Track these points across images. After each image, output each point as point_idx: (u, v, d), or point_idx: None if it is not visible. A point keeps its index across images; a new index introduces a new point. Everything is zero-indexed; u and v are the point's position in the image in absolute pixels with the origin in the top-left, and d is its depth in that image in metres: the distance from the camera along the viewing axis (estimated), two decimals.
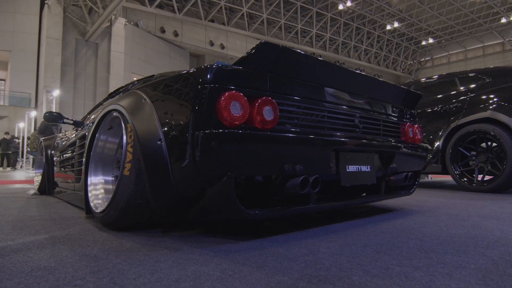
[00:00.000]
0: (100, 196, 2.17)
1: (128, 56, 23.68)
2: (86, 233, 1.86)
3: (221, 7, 28.01)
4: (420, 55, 41.15)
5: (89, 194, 2.18)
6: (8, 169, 16.77)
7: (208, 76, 1.53)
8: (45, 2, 21.75)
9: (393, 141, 2.42)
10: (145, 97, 1.88)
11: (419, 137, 2.68)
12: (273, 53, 1.64)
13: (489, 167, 4.19)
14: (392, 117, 2.48)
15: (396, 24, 33.50)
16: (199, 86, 1.53)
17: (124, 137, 1.85)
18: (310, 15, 31.74)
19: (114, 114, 2.06)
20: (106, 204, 1.92)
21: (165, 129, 1.66)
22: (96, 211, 2.04)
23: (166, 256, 1.39)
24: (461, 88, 4.71)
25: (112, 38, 23.30)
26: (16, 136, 19.03)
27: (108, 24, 22.65)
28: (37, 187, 4.44)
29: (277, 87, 1.71)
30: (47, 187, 4.23)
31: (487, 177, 4.30)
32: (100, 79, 23.32)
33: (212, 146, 1.45)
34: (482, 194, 3.96)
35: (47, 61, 21.17)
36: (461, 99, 4.57)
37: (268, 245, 1.57)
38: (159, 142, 1.66)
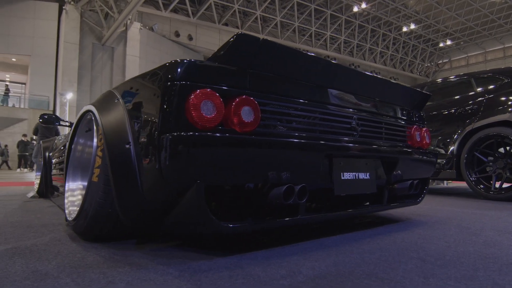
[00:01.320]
0: (76, 203, 2.02)
1: (143, 59, 23.84)
2: (54, 243, 1.71)
3: (234, 11, 28.01)
4: (437, 57, 40.29)
5: (65, 201, 2.04)
6: (26, 170, 17.04)
7: (178, 72, 1.36)
8: (63, 7, 22.13)
9: (397, 145, 2.20)
10: (118, 96, 1.72)
11: (428, 141, 2.45)
12: (252, 46, 1.46)
13: (508, 174, 3.90)
14: (396, 119, 2.26)
15: (412, 26, 32.86)
16: (168, 83, 1.36)
17: (94, 140, 1.70)
18: (324, 18, 31.44)
19: (89, 115, 1.91)
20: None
21: (134, 131, 1.50)
22: (69, 218, 1.89)
23: (123, 275, 1.22)
24: (477, 89, 4.43)
25: (127, 42, 23.51)
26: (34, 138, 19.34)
27: (124, 28, 22.87)
28: (36, 189, 4.37)
29: (259, 85, 1.53)
30: (45, 190, 4.14)
31: (505, 185, 4.01)
32: (116, 82, 23.52)
33: (179, 151, 1.28)
34: (499, 203, 3.68)
35: (65, 65, 21.55)
36: (478, 101, 4.29)
37: (245, 263, 1.38)
38: (127, 146, 1.50)
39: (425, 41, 36.78)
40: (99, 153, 1.63)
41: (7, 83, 24.39)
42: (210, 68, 1.42)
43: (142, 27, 24.03)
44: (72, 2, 22.18)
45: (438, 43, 36.92)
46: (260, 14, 29.12)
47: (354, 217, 2.51)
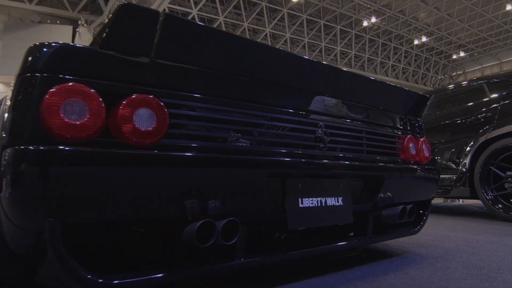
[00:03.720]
0: None
1: None
2: None
3: (244, 29, 28.05)
4: (451, 69, 39.53)
5: None
6: None
7: (38, 60, 0.95)
8: (76, 30, 22.55)
9: (385, 160, 1.73)
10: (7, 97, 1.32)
11: (427, 154, 1.97)
12: (151, 24, 1.04)
13: None
14: (383, 128, 1.80)
15: (424, 39, 32.35)
16: (23, 75, 0.95)
17: None
18: (334, 33, 31.24)
19: None
20: None
21: None
22: None
23: None
24: (491, 95, 3.92)
25: None
26: None
27: None
28: None
29: (168, 80, 1.10)
30: None
31: None
32: None
33: (22, 172, 0.85)
34: None
35: None
36: (491, 108, 3.77)
37: None
38: None
39: (437, 54, 36.09)
40: None
41: None
42: (87, 55, 1.00)
43: None
44: (85, 25, 22.55)
45: (451, 55, 36.22)
46: (269, 31, 29.08)
47: (330, 253, 2.00)
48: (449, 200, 6.77)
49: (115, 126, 0.98)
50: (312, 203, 1.34)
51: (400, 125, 1.91)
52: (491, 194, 3.58)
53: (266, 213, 1.23)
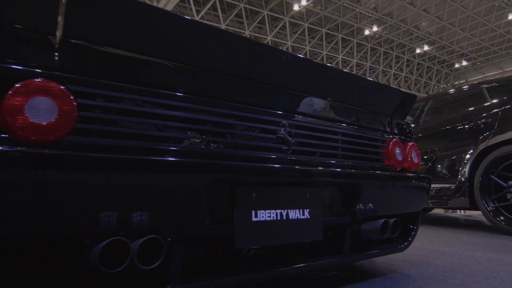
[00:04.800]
0: None
1: None
2: None
3: (246, 37, 28.03)
4: (453, 78, 39.34)
5: None
6: None
7: None
8: None
9: (365, 166, 1.51)
10: None
11: (416, 160, 1.75)
12: None
13: None
14: (364, 130, 1.58)
15: (426, 48, 32.26)
16: None
17: None
18: (335, 41, 31.20)
19: None
20: None
21: None
22: None
23: None
24: (491, 100, 3.69)
25: None
26: None
27: None
28: None
29: (79, 64, 0.89)
30: None
31: None
32: None
33: None
34: None
35: None
36: (492, 113, 3.54)
37: None
38: None
39: (439, 62, 35.93)
40: None
41: None
42: None
43: None
44: None
45: (453, 64, 36.06)
46: (271, 40, 29.05)
47: (301, 274, 1.75)
48: (449, 211, 6.50)
49: (1, 117, 0.77)
50: (269, 216, 1.12)
51: (384, 127, 1.69)
52: (492, 205, 3.34)
53: (207, 229, 1.01)
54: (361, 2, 24.69)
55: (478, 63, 36.32)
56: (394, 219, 1.49)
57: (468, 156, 3.59)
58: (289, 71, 1.31)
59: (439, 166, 3.93)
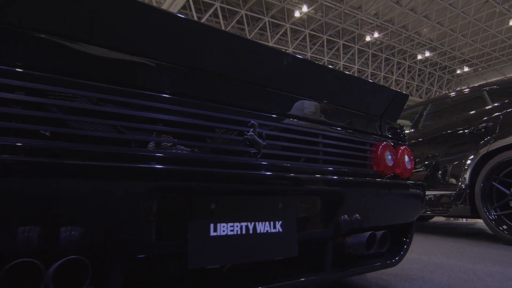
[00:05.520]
0: None
1: None
2: None
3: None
4: (455, 84, 39.22)
5: None
6: None
7: None
8: None
9: (349, 173, 1.36)
10: None
11: (409, 166, 1.60)
12: None
13: None
14: (349, 132, 1.43)
15: (427, 54, 32.18)
16: None
17: None
18: (337, 48, 31.17)
19: None
20: None
21: None
22: None
23: None
24: (492, 103, 3.54)
25: None
26: None
27: None
28: None
29: None
30: None
31: None
32: None
33: None
34: None
35: None
36: (493, 117, 3.39)
37: None
38: None
39: (441, 68, 35.81)
40: None
41: None
42: None
43: None
44: None
45: (455, 70, 35.94)
46: (272, 46, 29.03)
47: None
48: (452, 218, 6.32)
49: None
50: (232, 230, 0.97)
51: (372, 129, 1.54)
52: (494, 213, 3.17)
53: (153, 246, 0.86)
54: (362, 8, 24.66)
55: (480, 69, 36.22)
56: (382, 231, 1.33)
57: (468, 161, 3.43)
58: (259, 64, 1.16)
59: (438, 172, 3.77)
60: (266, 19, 25.29)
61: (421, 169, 3.99)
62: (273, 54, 1.22)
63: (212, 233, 0.93)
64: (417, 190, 1.59)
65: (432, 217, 5.45)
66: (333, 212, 1.24)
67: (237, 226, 0.98)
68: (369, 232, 1.29)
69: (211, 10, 22.10)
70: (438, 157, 3.81)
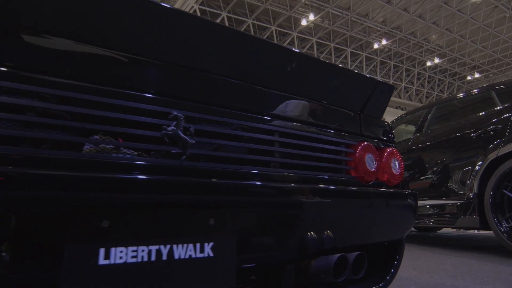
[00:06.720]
0: None
1: None
2: None
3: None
4: (466, 90, 38.64)
5: None
6: None
7: None
8: None
9: (315, 179, 1.10)
10: None
11: (396, 171, 1.33)
12: None
13: None
14: (316, 128, 1.17)
15: (436, 60, 31.76)
16: None
17: None
18: (344, 55, 30.98)
19: None
20: None
21: None
22: None
23: None
24: (501, 104, 3.24)
25: None
26: None
27: None
28: None
29: None
30: None
31: None
32: None
33: None
34: None
35: None
36: (503, 119, 3.09)
37: None
38: None
39: (451, 75, 35.29)
40: None
41: None
42: None
43: None
44: None
45: (465, 77, 35.40)
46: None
47: None
48: (462, 230, 5.94)
49: None
50: (133, 257, 0.71)
51: (349, 127, 1.28)
52: (506, 224, 2.85)
53: (4, 279, 0.61)
54: (369, 16, 24.49)
55: (491, 75, 35.61)
56: (357, 253, 1.06)
57: (476, 167, 3.13)
58: (183, 37, 0.91)
59: (443, 179, 3.47)
60: (273, 28, 25.28)
61: (425, 177, 3.70)
62: (202, 24, 0.96)
63: (102, 261, 0.68)
64: (407, 200, 1.32)
65: (440, 228, 5.11)
66: (288, 229, 0.98)
67: (142, 251, 0.72)
68: (337, 255, 1.02)
69: (218, 20, 22.18)
70: (443, 163, 3.52)
